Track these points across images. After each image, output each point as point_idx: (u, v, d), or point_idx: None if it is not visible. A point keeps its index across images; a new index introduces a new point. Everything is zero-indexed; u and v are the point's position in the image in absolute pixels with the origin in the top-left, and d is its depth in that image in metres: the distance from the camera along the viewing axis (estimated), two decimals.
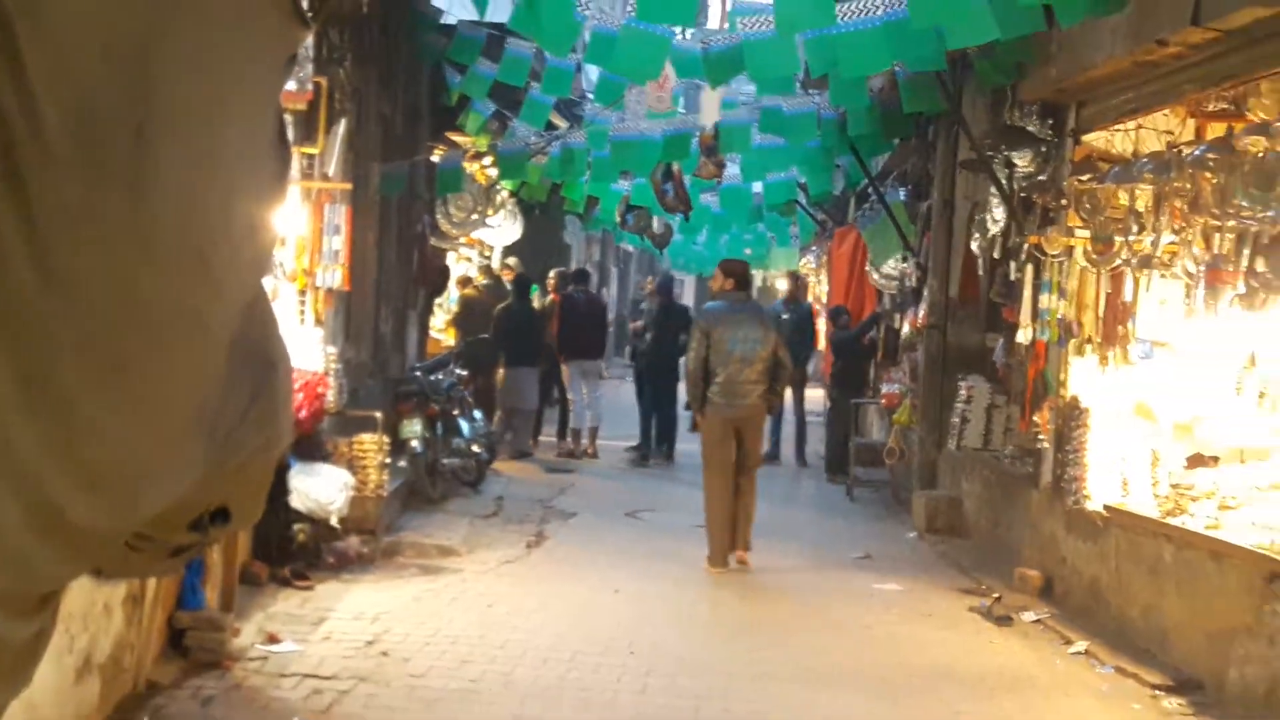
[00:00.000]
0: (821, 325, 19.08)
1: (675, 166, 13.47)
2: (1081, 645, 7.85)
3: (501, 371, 15.13)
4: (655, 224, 18.17)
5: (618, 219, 18.42)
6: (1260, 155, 6.99)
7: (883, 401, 14.92)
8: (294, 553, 8.40)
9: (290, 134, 7.36)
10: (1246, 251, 7.28)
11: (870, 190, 14.61)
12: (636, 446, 15.96)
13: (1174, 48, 7.60)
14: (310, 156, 8.92)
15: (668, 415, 15.80)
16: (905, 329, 14.23)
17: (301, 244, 8.78)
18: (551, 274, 17.56)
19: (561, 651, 7.24)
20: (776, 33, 7.68)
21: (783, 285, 33.56)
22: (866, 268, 15.58)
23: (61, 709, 5.08)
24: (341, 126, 9.35)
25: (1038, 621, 8.47)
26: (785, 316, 15.98)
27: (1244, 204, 7.10)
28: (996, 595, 9.03)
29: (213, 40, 4.65)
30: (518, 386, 15.13)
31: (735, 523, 9.98)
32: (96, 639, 5.41)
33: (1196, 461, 8.42)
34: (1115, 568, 8.27)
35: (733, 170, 14.43)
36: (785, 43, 8.06)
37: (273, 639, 7.02)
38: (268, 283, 6.21)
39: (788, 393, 13.84)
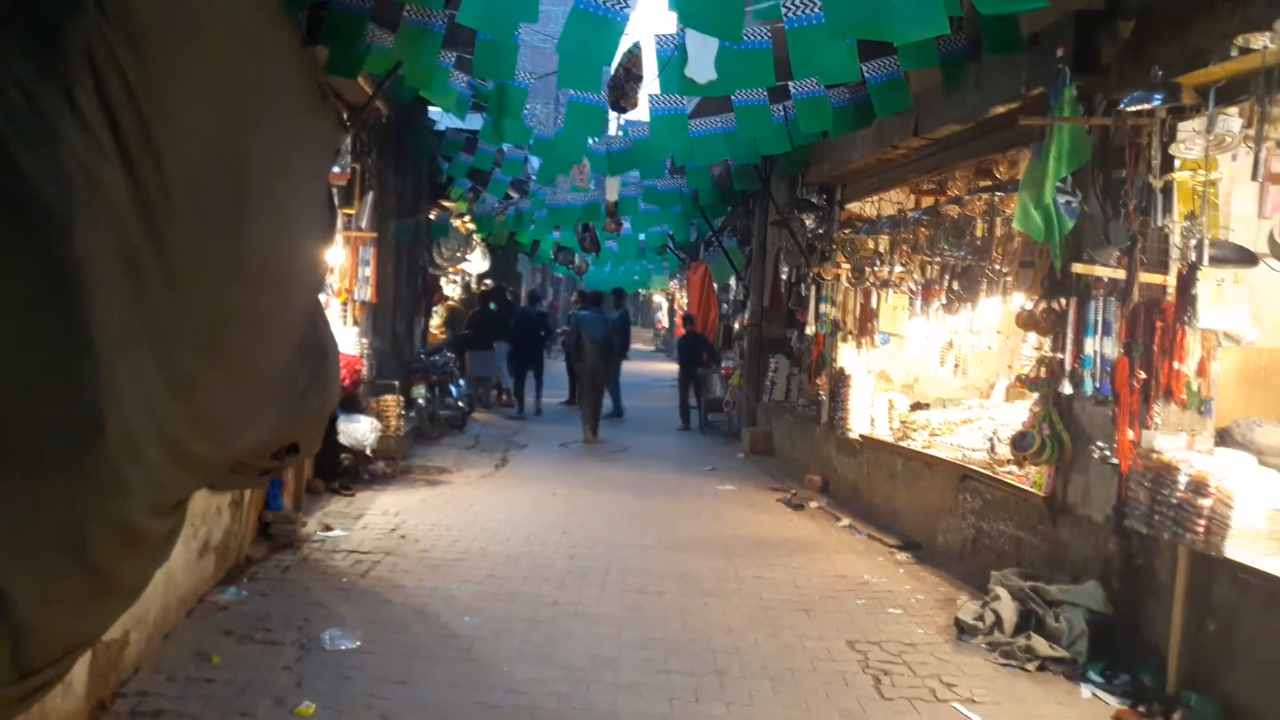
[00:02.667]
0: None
1: (590, 224, 13.51)
2: (846, 522, 7.98)
3: (467, 354, 14.94)
4: (577, 259, 18.17)
5: (552, 256, 18.41)
6: (955, 217, 7.16)
7: (723, 372, 15.03)
8: (342, 472, 8.29)
9: (336, 200, 7.22)
10: (947, 277, 7.47)
11: (714, 239, 14.70)
12: (566, 401, 15.87)
13: (902, 149, 7.74)
14: (349, 216, 8.77)
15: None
16: (736, 326, 14.40)
17: (344, 272, 8.64)
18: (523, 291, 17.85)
19: (519, 533, 7.20)
20: (651, 138, 7.67)
21: (658, 299, 33.78)
22: (715, 287, 15.71)
23: (189, 575, 4.99)
24: (370, 196, 9.20)
25: (819, 508, 8.59)
26: (612, 317, 15.73)
27: (945, 247, 7.27)
28: (794, 492, 9.15)
29: (285, 139, 4.56)
30: (479, 363, 14.99)
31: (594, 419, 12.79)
32: (212, 530, 5.31)
33: (916, 406, 8.65)
34: (867, 473, 8.43)
35: (627, 226, 14.46)
36: (659, 147, 8.08)
37: (328, 528, 6.92)
38: (322, 298, 6.11)
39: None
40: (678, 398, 14.54)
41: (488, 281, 17.61)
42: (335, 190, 7.61)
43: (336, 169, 7.54)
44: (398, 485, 8.69)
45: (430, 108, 11.30)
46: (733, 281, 14.73)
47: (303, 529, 6.66)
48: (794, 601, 5.86)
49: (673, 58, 5.55)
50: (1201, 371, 4.60)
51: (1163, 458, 4.53)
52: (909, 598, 6.01)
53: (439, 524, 7.33)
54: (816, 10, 4.78)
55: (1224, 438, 4.77)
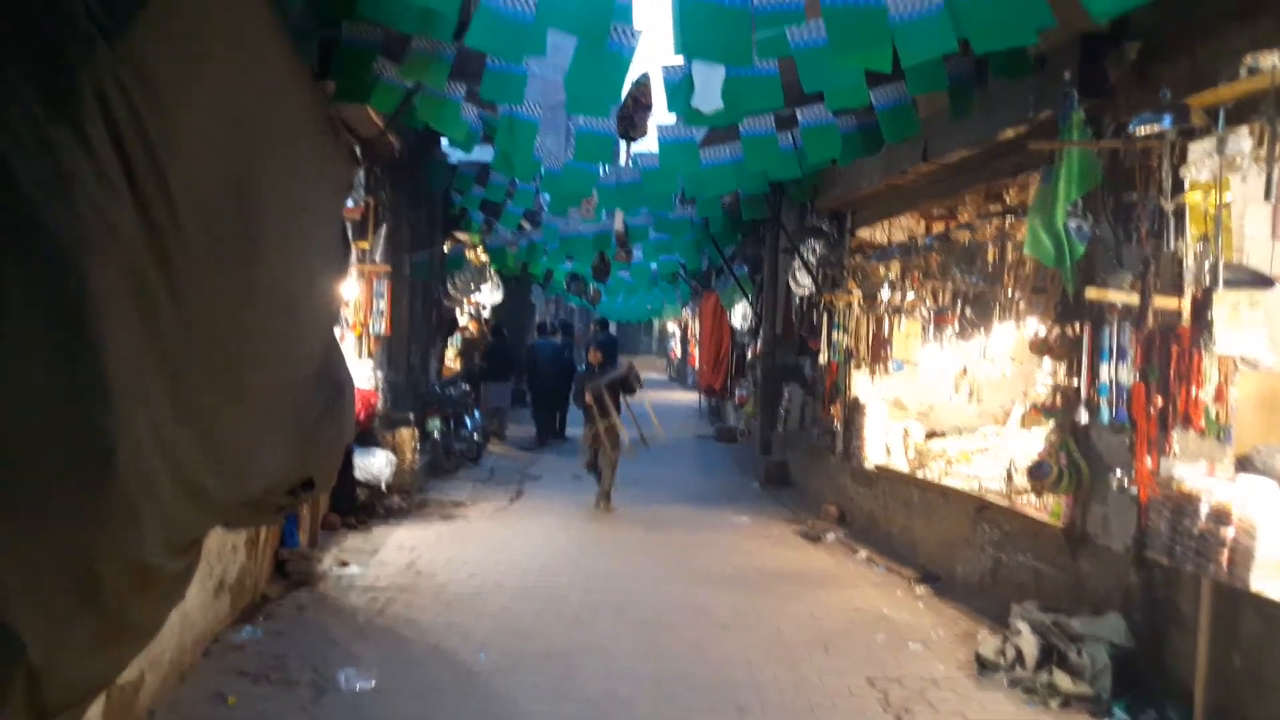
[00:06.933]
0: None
1: (604, 251, 13.59)
2: (864, 554, 7.91)
3: (482, 385, 15.03)
4: (590, 290, 18.21)
5: (565, 286, 18.45)
6: (966, 242, 7.14)
7: (736, 400, 14.97)
8: (358, 507, 8.28)
9: (350, 234, 7.25)
10: (959, 303, 7.43)
11: (725, 267, 14.72)
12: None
13: (911, 176, 7.75)
14: (363, 249, 8.83)
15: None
16: (749, 355, 14.36)
17: (358, 305, 8.69)
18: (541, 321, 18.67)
19: (534, 567, 7.18)
20: (661, 165, 7.70)
21: (671, 327, 33.75)
22: (728, 315, 15.73)
23: (205, 615, 4.97)
24: (383, 229, 9.26)
25: (836, 539, 8.52)
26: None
27: (957, 274, 7.25)
28: (810, 523, 9.07)
29: (297, 173, 4.59)
30: (494, 393, 15.07)
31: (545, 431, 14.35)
32: (228, 568, 5.30)
33: (931, 435, 8.58)
34: (883, 504, 8.36)
35: (638, 255, 14.52)
36: (668, 174, 8.10)
37: (344, 564, 6.90)
38: (337, 331, 6.13)
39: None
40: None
41: (486, 315, 17.68)
42: (349, 224, 7.67)
43: (350, 203, 7.59)
44: (413, 519, 8.68)
45: (443, 140, 11.39)
46: (745, 309, 14.73)
47: (319, 566, 6.64)
48: (813, 636, 5.79)
49: (680, 86, 5.58)
50: (1219, 397, 4.53)
51: (1183, 487, 4.46)
52: (929, 632, 5.93)
53: (454, 559, 7.30)
54: (820, 34, 4.80)
55: (1245, 465, 4.69)
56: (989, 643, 5.34)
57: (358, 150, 6.38)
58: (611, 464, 9.87)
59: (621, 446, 9.93)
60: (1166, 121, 4.45)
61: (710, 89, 5.28)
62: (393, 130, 7.70)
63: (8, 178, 2.60)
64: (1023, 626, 5.18)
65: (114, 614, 3.09)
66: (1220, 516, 4.20)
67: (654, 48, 57.04)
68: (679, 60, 5.70)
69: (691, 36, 4.33)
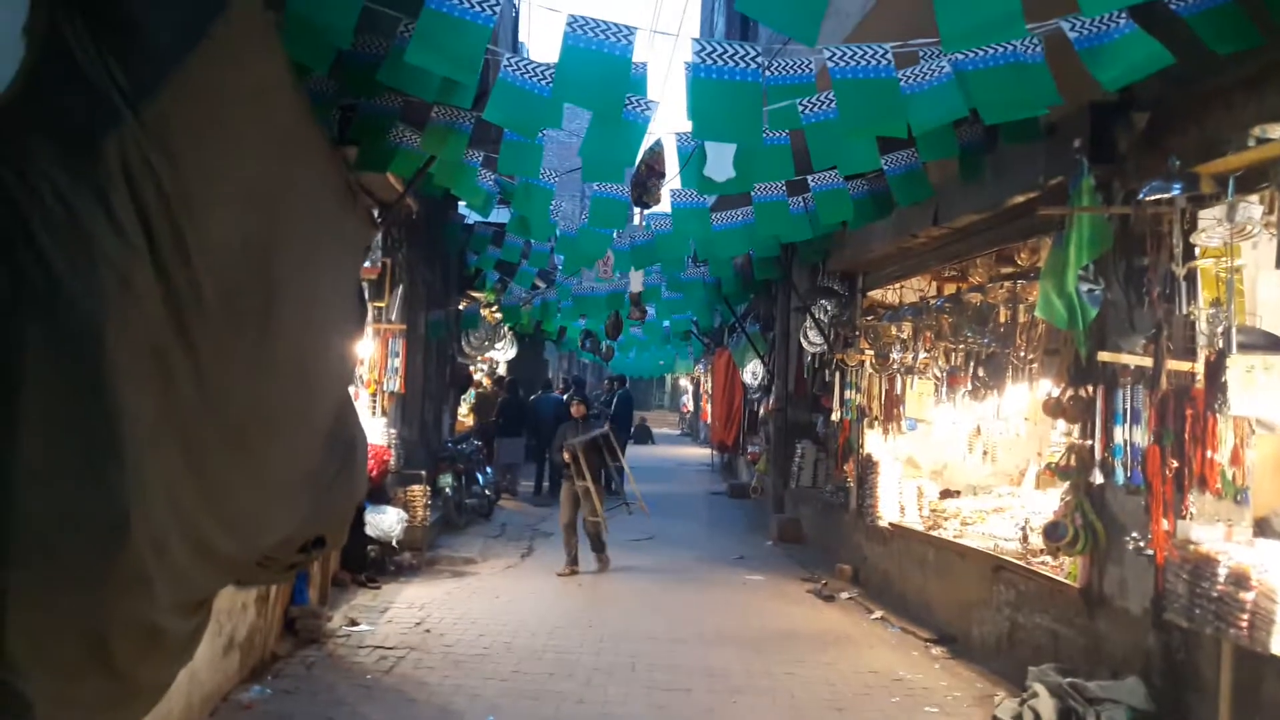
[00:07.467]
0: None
1: (617, 310, 13.67)
2: (879, 614, 7.78)
3: (495, 441, 14.96)
4: (603, 347, 18.28)
5: (579, 343, 18.55)
6: (977, 304, 7.14)
7: (749, 457, 14.88)
8: (368, 564, 8.22)
9: (366, 294, 7.31)
10: (972, 364, 7.41)
11: (737, 325, 14.76)
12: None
13: (922, 239, 7.79)
14: (379, 308, 8.90)
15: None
16: (761, 411, 14.29)
17: (373, 364, 8.73)
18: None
19: (544, 626, 7.08)
20: (674, 230, 7.77)
21: (684, 382, 33.74)
22: (740, 372, 15.71)
23: (213, 674, 4.92)
24: (400, 289, 9.34)
25: (850, 599, 8.39)
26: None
27: (969, 334, 7.24)
28: (824, 582, 8.94)
29: (315, 237, 4.65)
30: (508, 449, 15.00)
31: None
32: (237, 626, 5.25)
33: (946, 494, 8.50)
34: (898, 563, 8.24)
35: (651, 313, 14.59)
36: (681, 238, 8.17)
37: (353, 623, 6.83)
38: (351, 389, 6.15)
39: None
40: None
41: (500, 371, 17.78)
42: (366, 284, 7.74)
43: (367, 264, 7.68)
44: (424, 577, 8.60)
45: (459, 203, 11.54)
46: (757, 366, 14.73)
47: (328, 624, 6.57)
48: (827, 700, 5.66)
49: (693, 155, 5.65)
50: (1235, 460, 4.48)
51: (1200, 549, 4.39)
52: (945, 695, 5.80)
53: (464, 617, 7.22)
54: (831, 107, 4.87)
55: (1263, 529, 4.62)
56: (1006, 706, 5.22)
57: (376, 213, 6.46)
58: (593, 528, 9.40)
59: (598, 517, 9.34)
60: (1176, 189, 4.47)
61: (722, 159, 5.34)
62: (411, 194, 7.80)
63: (32, 245, 2.64)
64: (1040, 689, 5.07)
65: (122, 674, 3.06)
66: (1240, 580, 4.12)
67: (667, 110, 57.91)
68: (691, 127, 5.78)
69: (705, 116, 4.36)
